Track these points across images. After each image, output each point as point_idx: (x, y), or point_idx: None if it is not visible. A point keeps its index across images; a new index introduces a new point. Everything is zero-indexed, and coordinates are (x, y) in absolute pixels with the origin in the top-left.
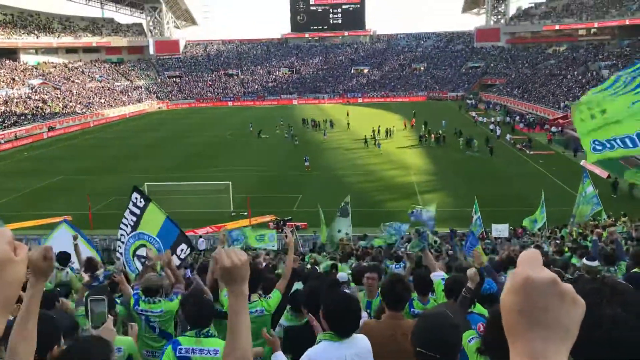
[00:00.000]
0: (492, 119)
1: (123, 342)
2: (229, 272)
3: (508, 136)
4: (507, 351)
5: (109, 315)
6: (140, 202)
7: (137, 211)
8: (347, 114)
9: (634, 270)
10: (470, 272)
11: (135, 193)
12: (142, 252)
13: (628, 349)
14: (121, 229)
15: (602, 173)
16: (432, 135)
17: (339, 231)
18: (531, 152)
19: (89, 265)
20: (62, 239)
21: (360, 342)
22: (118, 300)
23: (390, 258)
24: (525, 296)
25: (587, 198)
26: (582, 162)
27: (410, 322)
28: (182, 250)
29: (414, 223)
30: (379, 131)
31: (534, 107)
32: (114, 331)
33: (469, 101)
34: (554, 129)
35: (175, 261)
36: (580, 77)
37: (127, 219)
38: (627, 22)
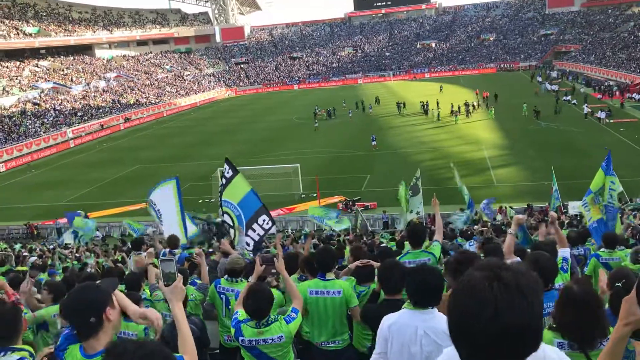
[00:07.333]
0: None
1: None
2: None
3: (585, 107)
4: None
5: (179, 275)
6: (228, 172)
7: (224, 181)
8: (441, 89)
9: None
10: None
11: (225, 164)
12: (226, 218)
13: None
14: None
15: None
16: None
17: (411, 211)
18: (611, 121)
19: (170, 242)
20: (164, 195)
21: (439, 320)
22: (197, 282)
23: (462, 236)
24: None
25: None
26: None
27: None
28: (264, 220)
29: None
30: (458, 107)
31: (612, 72)
32: (183, 289)
33: (550, 72)
34: (635, 95)
35: (259, 231)
36: None
37: (220, 187)
38: None
